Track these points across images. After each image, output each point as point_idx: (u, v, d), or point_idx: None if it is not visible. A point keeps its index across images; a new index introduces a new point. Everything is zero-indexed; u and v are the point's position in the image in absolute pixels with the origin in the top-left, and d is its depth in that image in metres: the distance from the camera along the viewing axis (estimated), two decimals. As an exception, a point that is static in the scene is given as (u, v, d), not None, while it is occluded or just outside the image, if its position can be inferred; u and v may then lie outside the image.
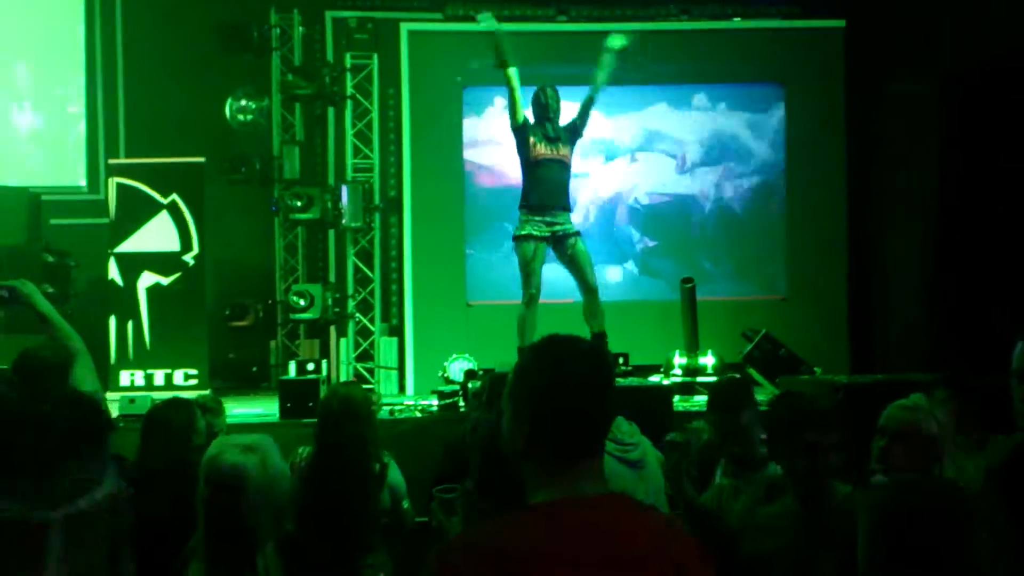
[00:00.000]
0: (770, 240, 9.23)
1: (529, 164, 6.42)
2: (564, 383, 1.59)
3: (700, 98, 9.27)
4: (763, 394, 7.23)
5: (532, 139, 6.37)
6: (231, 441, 2.41)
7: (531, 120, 6.45)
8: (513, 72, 6.41)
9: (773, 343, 7.56)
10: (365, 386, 8.80)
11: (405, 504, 3.83)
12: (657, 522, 1.66)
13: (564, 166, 6.42)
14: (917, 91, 8.93)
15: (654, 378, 7.26)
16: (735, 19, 9.40)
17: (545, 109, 6.40)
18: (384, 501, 3.73)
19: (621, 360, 7.04)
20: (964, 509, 1.71)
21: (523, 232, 6.37)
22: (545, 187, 6.36)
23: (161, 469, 3.26)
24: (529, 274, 6.36)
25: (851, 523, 2.44)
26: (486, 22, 6.51)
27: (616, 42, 6.51)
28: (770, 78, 9.26)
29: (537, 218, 6.35)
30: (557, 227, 6.36)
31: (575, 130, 6.48)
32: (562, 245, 6.40)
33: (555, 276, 6.82)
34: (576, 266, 6.40)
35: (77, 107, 9.75)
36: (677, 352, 7.56)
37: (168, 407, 3.69)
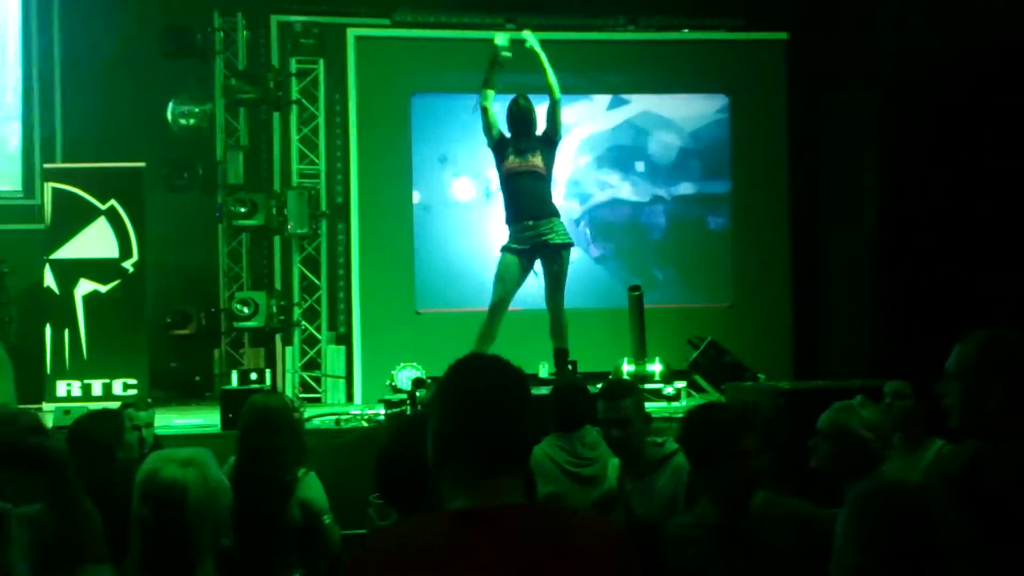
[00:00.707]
0: (716, 248, 9.32)
1: (503, 179, 6.45)
2: (470, 404, 1.62)
3: (646, 107, 9.32)
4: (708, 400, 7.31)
5: (505, 152, 6.36)
6: (168, 456, 2.35)
7: (507, 134, 6.43)
8: (493, 93, 6.44)
9: (718, 350, 7.63)
10: (311, 394, 8.73)
11: (326, 520, 3.63)
12: (582, 526, 1.65)
13: (537, 176, 6.36)
14: (858, 101, 9.11)
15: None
16: (684, 31, 9.49)
17: (518, 120, 6.36)
18: (295, 517, 3.59)
19: (570, 367, 7.04)
20: (952, 514, 1.72)
21: (507, 245, 6.45)
22: (518, 200, 6.38)
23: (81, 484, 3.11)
24: (499, 282, 6.39)
25: (778, 531, 2.45)
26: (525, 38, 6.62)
27: (503, 40, 6.51)
28: (715, 89, 9.36)
29: (516, 233, 6.40)
30: (539, 238, 6.37)
31: (549, 139, 6.46)
32: (548, 252, 6.39)
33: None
34: (550, 277, 6.40)
35: (9, 111, 9.48)
36: (625, 359, 7.58)
37: (92, 419, 3.56)
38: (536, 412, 1.70)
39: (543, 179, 6.42)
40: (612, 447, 3.58)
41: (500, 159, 6.42)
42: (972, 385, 2.06)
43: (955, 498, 1.89)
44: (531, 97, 6.57)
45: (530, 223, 6.33)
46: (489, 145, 6.51)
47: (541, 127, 6.48)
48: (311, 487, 3.63)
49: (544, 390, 4.93)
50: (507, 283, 6.38)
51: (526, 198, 6.35)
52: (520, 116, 6.37)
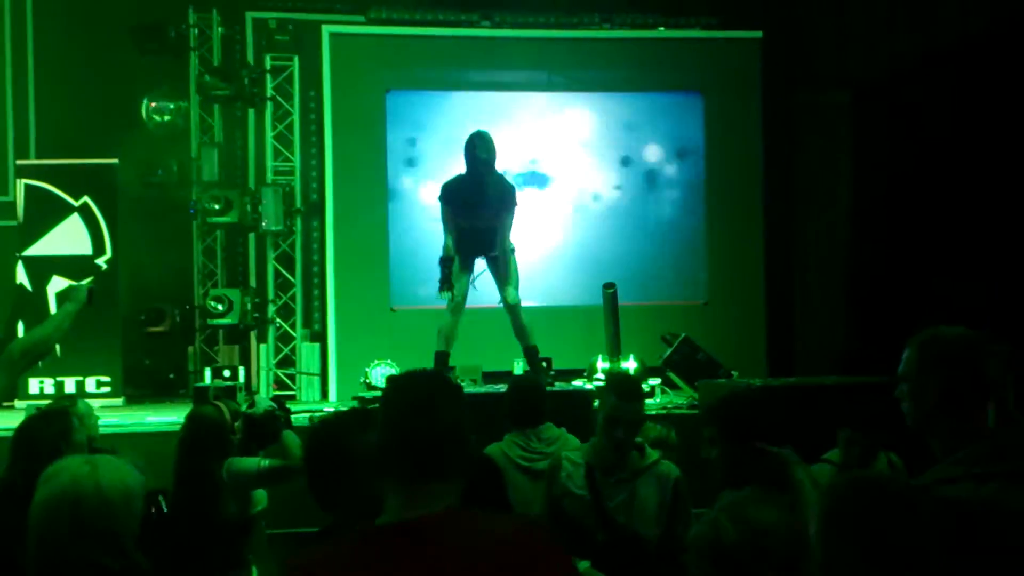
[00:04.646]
0: (691, 245, 9.37)
1: (454, 224, 6.44)
2: (401, 414, 1.76)
3: (621, 105, 9.36)
4: (682, 397, 7.36)
5: (457, 210, 6.34)
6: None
7: (451, 191, 6.39)
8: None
9: (692, 347, 7.67)
10: (285, 392, 8.72)
11: (264, 463, 3.63)
12: (506, 532, 1.72)
13: (486, 232, 6.39)
14: (831, 100, 9.19)
15: (577, 382, 7.30)
16: (660, 28, 9.54)
17: (473, 160, 6.30)
18: (232, 512, 3.57)
19: (544, 364, 7.07)
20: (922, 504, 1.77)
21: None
22: (467, 246, 6.42)
23: (20, 485, 3.05)
24: (455, 282, 6.39)
25: None
26: None
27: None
28: (689, 87, 9.41)
29: (464, 255, 6.46)
30: (487, 252, 6.47)
31: (503, 206, 6.40)
32: (494, 261, 6.49)
33: (488, 283, 6.86)
34: (500, 279, 6.45)
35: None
36: (600, 356, 7.61)
37: (42, 419, 3.52)
38: (468, 420, 1.79)
39: (491, 224, 6.40)
40: (610, 446, 3.37)
41: (451, 210, 6.42)
42: (913, 387, 2.11)
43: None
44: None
45: (476, 256, 6.47)
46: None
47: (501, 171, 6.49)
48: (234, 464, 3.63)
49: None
50: (463, 283, 6.43)
51: (476, 246, 6.44)
52: (478, 156, 6.21)
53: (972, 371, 2.06)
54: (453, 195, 6.36)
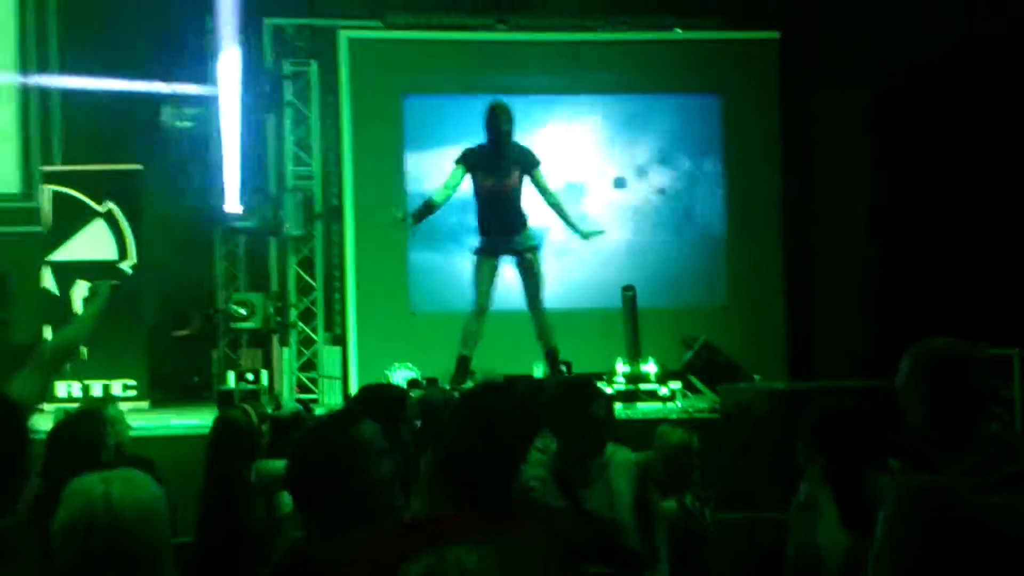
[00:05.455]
0: (710, 248, 9.37)
1: (477, 194, 6.51)
2: (489, 442, 1.76)
3: (638, 108, 9.37)
4: (703, 401, 7.37)
5: (478, 173, 6.40)
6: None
7: (472, 155, 6.44)
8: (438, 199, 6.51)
9: (712, 351, 7.66)
10: (308, 395, 8.79)
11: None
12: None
13: (510, 194, 6.43)
14: (850, 101, 9.17)
15: (596, 385, 7.31)
16: (676, 30, 9.54)
17: (496, 131, 6.36)
18: (260, 514, 3.65)
19: (564, 368, 7.10)
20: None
21: (480, 248, 6.53)
22: (492, 217, 6.47)
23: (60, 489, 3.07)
24: (478, 286, 6.43)
25: None
26: None
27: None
28: (707, 89, 9.40)
29: (488, 241, 6.49)
30: (512, 245, 6.48)
31: (526, 168, 6.47)
32: (520, 257, 6.50)
33: (507, 286, 6.91)
34: (527, 279, 6.48)
35: (6, 113, 9.48)
36: (619, 360, 7.63)
37: (75, 420, 3.57)
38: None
39: (515, 195, 6.47)
40: (581, 449, 3.30)
41: (473, 176, 6.47)
42: (905, 400, 2.11)
43: None
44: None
45: (502, 239, 6.45)
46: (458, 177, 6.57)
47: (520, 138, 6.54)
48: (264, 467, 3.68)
49: None
50: (486, 286, 6.46)
51: (500, 216, 6.47)
52: (499, 127, 6.34)
53: (957, 383, 2.04)
54: (473, 160, 6.44)
